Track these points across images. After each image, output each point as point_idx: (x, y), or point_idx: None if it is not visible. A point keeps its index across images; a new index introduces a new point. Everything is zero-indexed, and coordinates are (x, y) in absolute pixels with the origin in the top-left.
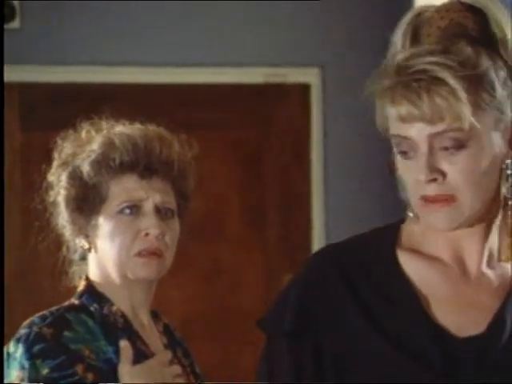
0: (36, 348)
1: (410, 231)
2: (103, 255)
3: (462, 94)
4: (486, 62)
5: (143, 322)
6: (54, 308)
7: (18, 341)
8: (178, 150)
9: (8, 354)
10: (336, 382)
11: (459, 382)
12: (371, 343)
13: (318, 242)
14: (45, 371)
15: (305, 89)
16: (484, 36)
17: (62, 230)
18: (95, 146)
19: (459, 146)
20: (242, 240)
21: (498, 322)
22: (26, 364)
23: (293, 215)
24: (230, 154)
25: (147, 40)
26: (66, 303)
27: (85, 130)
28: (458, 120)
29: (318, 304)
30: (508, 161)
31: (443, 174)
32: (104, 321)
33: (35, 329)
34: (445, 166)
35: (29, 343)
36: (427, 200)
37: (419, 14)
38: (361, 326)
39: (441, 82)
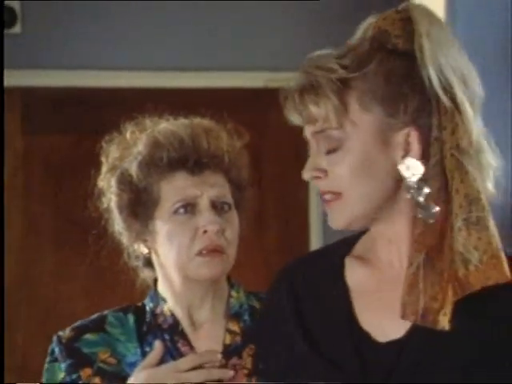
0: (56, 350)
1: (366, 239)
2: (163, 258)
3: (331, 95)
4: (377, 67)
5: (200, 321)
6: (119, 307)
7: (53, 340)
8: (226, 140)
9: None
10: None
11: None
12: (305, 357)
13: (315, 244)
14: (62, 373)
15: None
16: (405, 45)
17: (120, 236)
18: (140, 146)
19: (338, 144)
20: (241, 242)
21: (416, 326)
22: (47, 366)
23: (291, 217)
24: None
25: (147, 44)
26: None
27: (129, 132)
28: (327, 120)
29: (268, 317)
30: (402, 164)
31: (325, 172)
32: (153, 320)
33: (60, 333)
34: (325, 164)
35: (54, 345)
36: (321, 198)
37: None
38: (297, 340)
39: (317, 84)
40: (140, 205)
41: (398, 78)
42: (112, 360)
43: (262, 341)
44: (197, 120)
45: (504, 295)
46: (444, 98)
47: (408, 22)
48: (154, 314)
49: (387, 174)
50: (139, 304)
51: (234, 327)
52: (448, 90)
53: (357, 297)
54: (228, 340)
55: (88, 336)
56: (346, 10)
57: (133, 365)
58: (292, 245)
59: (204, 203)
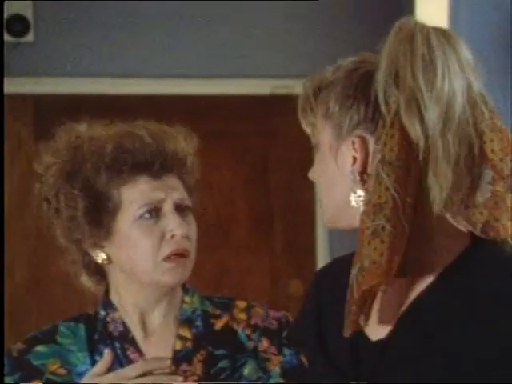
0: (5, 364)
1: None
2: (125, 264)
3: (308, 107)
4: (341, 81)
5: (152, 327)
6: (72, 317)
7: None
8: (183, 144)
9: None
10: None
11: None
12: (317, 359)
13: (321, 248)
14: None
15: None
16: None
17: (70, 243)
18: (105, 150)
19: (315, 149)
20: (249, 246)
21: (399, 326)
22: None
23: (298, 222)
24: (237, 164)
25: (157, 52)
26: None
27: (66, 137)
28: (307, 128)
29: (302, 319)
30: (350, 173)
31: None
32: (104, 329)
33: (13, 346)
34: (313, 167)
35: (5, 359)
36: None
37: None
38: (313, 339)
39: (303, 94)
40: (99, 211)
41: (351, 89)
42: (62, 371)
43: (296, 339)
44: (153, 123)
45: (478, 278)
46: (384, 112)
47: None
48: (105, 322)
49: (341, 180)
50: (91, 312)
51: (185, 333)
52: (390, 103)
53: None
54: (178, 346)
55: (39, 348)
56: (354, 18)
57: (83, 374)
58: (298, 248)
59: (168, 207)
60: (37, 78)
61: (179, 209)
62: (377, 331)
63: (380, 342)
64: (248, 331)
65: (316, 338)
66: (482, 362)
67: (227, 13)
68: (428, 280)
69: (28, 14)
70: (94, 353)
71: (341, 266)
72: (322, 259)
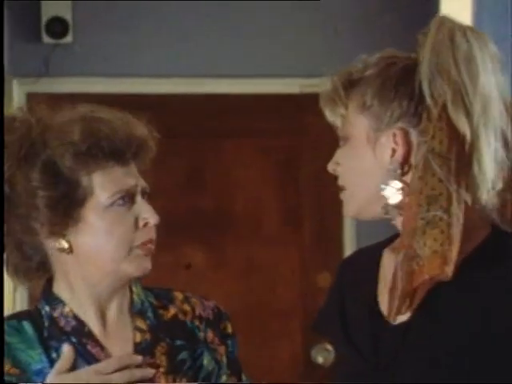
0: None
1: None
2: (89, 252)
3: (337, 99)
4: (378, 72)
5: (108, 320)
6: (7, 315)
7: None
8: (147, 131)
9: None
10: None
11: (385, 369)
12: (342, 345)
13: (349, 241)
14: None
15: None
16: (415, 54)
17: (25, 233)
18: (75, 135)
19: (344, 142)
20: (278, 239)
21: (421, 309)
22: None
23: (326, 216)
24: (267, 160)
25: (192, 52)
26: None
27: (28, 118)
28: (335, 121)
29: (327, 305)
30: (389, 164)
31: (338, 166)
32: (52, 324)
33: None
34: (339, 159)
35: None
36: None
37: None
38: (337, 326)
39: (332, 87)
40: (67, 198)
41: (391, 83)
42: (15, 371)
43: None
44: (113, 110)
45: (497, 270)
46: (431, 105)
47: (425, 34)
48: (51, 318)
49: (378, 172)
50: (31, 309)
51: (141, 324)
52: (435, 97)
53: (382, 284)
54: (138, 338)
55: None
56: (381, 17)
57: (40, 372)
58: (327, 242)
59: (138, 194)
60: (75, 78)
61: (144, 195)
62: (399, 314)
63: (402, 325)
64: (196, 322)
65: (340, 325)
66: (502, 346)
67: (257, 13)
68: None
69: (67, 15)
70: (47, 350)
71: (364, 256)
72: (350, 252)
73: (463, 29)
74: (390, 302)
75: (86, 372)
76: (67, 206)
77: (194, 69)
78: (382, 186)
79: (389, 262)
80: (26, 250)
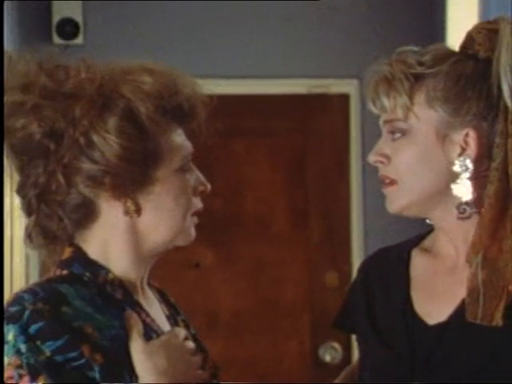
0: (33, 328)
1: (433, 233)
2: (151, 219)
3: (401, 90)
4: (449, 68)
5: (146, 291)
6: (41, 280)
7: (7, 321)
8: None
9: None
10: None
11: (419, 368)
12: (370, 342)
13: (356, 241)
14: (46, 355)
15: (344, 99)
16: (485, 53)
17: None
18: (159, 87)
19: (402, 134)
20: (286, 238)
21: (458, 311)
22: (23, 347)
23: (333, 216)
24: (275, 160)
25: (202, 54)
26: (52, 274)
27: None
28: (395, 112)
29: (350, 304)
30: (457, 162)
31: (388, 158)
32: (101, 291)
33: (28, 306)
34: (389, 151)
35: (23, 323)
36: (381, 181)
37: None
38: (366, 329)
39: (391, 76)
40: (145, 153)
41: (466, 81)
42: (97, 334)
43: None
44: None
45: None
46: (511, 105)
47: (494, 32)
48: (97, 285)
49: (443, 168)
50: (64, 273)
51: (158, 296)
52: None
53: (415, 284)
54: (166, 311)
55: (65, 309)
56: (387, 18)
57: (115, 339)
58: (334, 241)
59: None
60: None
61: None
62: (434, 315)
63: (439, 325)
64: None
65: (369, 322)
66: None
67: (266, 16)
68: (476, 260)
69: (78, 17)
70: (113, 316)
71: (389, 255)
72: (357, 251)
73: None
74: (472, 305)
75: (171, 338)
76: (144, 163)
77: (205, 69)
78: (452, 186)
79: (422, 263)
80: (66, 208)
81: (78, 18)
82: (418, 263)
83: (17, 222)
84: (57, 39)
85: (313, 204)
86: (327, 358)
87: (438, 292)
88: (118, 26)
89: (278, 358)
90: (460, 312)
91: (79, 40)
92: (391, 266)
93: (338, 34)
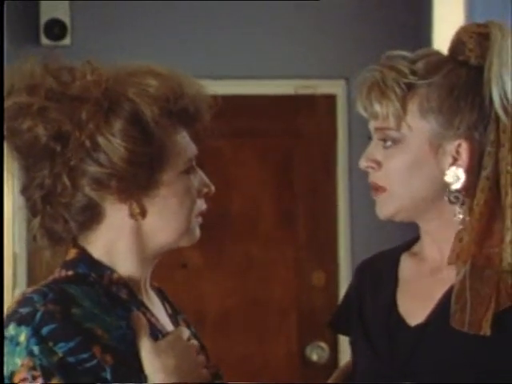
0: (45, 329)
1: (421, 238)
2: (156, 221)
3: (394, 99)
4: (443, 79)
5: (149, 291)
6: (47, 281)
7: (19, 322)
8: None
9: (7, 338)
10: None
11: (400, 369)
12: (360, 343)
13: (343, 241)
14: (58, 356)
15: (332, 99)
16: (476, 59)
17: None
18: (164, 90)
19: (393, 142)
20: (273, 238)
21: (436, 311)
22: (36, 349)
23: (320, 216)
24: (263, 160)
25: (188, 54)
26: (57, 275)
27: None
28: (387, 120)
29: (344, 306)
30: (449, 172)
31: (378, 164)
32: (106, 291)
33: (39, 307)
34: (381, 157)
35: (36, 324)
36: (371, 186)
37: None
38: (356, 325)
39: (383, 83)
40: (151, 157)
41: (459, 92)
42: (106, 335)
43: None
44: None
45: None
46: (504, 118)
47: (485, 37)
48: (102, 285)
49: (434, 177)
50: (70, 274)
51: (158, 295)
52: (508, 110)
53: (402, 286)
54: (169, 309)
55: (75, 310)
56: (374, 18)
57: (122, 339)
58: (321, 241)
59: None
60: None
61: None
62: (416, 316)
63: (418, 326)
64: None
65: (359, 324)
66: None
67: (252, 14)
68: (464, 268)
69: (65, 18)
70: (117, 316)
71: (382, 259)
72: (344, 251)
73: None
74: (459, 313)
75: (176, 337)
76: (150, 166)
77: (190, 70)
78: (443, 192)
79: (409, 266)
80: (71, 210)
81: (66, 19)
82: (406, 266)
83: (5, 223)
84: (44, 40)
85: (300, 204)
86: (314, 358)
87: (420, 293)
88: (106, 26)
89: (266, 358)
90: (438, 312)
91: (67, 41)
92: (382, 270)
93: (325, 34)
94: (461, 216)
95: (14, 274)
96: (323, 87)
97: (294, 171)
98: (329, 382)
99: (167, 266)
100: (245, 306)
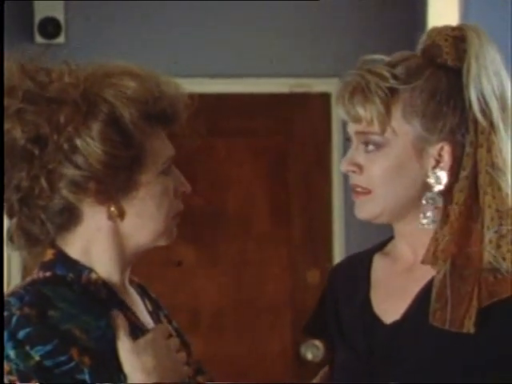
0: (22, 333)
1: (394, 240)
2: (134, 222)
3: (378, 102)
4: (424, 84)
5: (128, 289)
6: (25, 282)
7: None
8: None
9: None
10: None
11: (377, 366)
12: (337, 343)
13: (338, 239)
14: (35, 360)
15: (326, 97)
16: (453, 62)
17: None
18: (141, 91)
19: (376, 146)
20: (268, 237)
21: (411, 309)
22: (12, 353)
23: (315, 214)
24: (257, 158)
25: (183, 53)
26: (35, 276)
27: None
28: (371, 124)
29: (320, 308)
30: (431, 174)
31: (360, 168)
32: (85, 291)
33: (15, 311)
34: (362, 161)
35: (12, 328)
36: (352, 189)
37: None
38: (332, 328)
39: (367, 88)
40: (130, 159)
41: (441, 97)
42: (84, 336)
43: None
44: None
45: None
46: (481, 120)
47: (460, 40)
48: (81, 285)
49: (416, 180)
50: (48, 275)
51: (139, 291)
52: (486, 112)
53: (375, 286)
54: (150, 307)
55: (52, 312)
56: (369, 18)
57: (101, 339)
58: (316, 239)
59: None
60: None
61: None
62: (390, 314)
63: (394, 324)
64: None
65: (335, 326)
66: (498, 345)
67: (247, 13)
68: (444, 267)
69: (59, 16)
70: (98, 317)
71: (354, 261)
72: (339, 249)
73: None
74: (440, 311)
75: (157, 335)
76: (128, 168)
77: (185, 69)
78: (423, 194)
79: (381, 266)
80: (49, 212)
81: (60, 17)
82: (378, 266)
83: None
84: (39, 38)
85: (294, 202)
86: (309, 356)
87: (394, 291)
88: (100, 25)
89: (260, 356)
90: (414, 309)
91: (61, 39)
92: (356, 272)
93: (319, 33)
94: (429, 216)
95: (9, 274)
96: (318, 86)
97: (288, 169)
98: (313, 381)
99: (162, 265)
100: (239, 304)
